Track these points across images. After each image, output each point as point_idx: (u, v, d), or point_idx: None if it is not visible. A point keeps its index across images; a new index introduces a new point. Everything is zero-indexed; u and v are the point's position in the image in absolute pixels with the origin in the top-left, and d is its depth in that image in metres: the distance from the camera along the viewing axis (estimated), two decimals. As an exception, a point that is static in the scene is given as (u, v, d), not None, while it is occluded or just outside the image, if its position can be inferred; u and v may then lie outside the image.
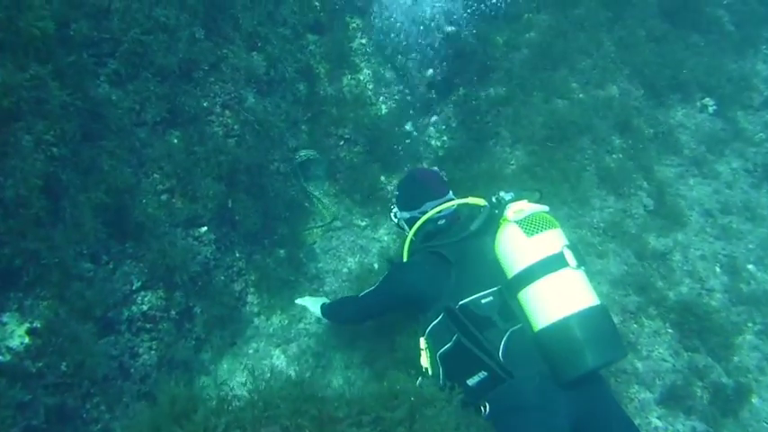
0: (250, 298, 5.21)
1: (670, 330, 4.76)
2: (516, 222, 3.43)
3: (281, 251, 5.43)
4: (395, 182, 5.86)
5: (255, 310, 5.17)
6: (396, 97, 6.11)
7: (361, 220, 5.83)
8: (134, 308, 4.15)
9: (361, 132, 5.77)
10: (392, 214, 4.27)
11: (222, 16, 4.77)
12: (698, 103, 6.58)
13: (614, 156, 5.71)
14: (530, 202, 3.57)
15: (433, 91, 6.28)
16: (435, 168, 4.42)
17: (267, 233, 5.35)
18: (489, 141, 5.74)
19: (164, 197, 4.38)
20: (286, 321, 5.14)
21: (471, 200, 3.87)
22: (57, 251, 3.36)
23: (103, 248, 3.93)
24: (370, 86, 6.00)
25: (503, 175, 5.40)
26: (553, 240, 3.38)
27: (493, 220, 3.63)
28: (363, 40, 5.99)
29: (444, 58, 6.11)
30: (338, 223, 5.79)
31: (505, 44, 6.31)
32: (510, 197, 3.61)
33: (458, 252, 3.59)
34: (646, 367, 4.54)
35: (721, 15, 7.21)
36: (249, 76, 4.91)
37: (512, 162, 5.58)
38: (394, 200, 4.29)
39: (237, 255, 5.10)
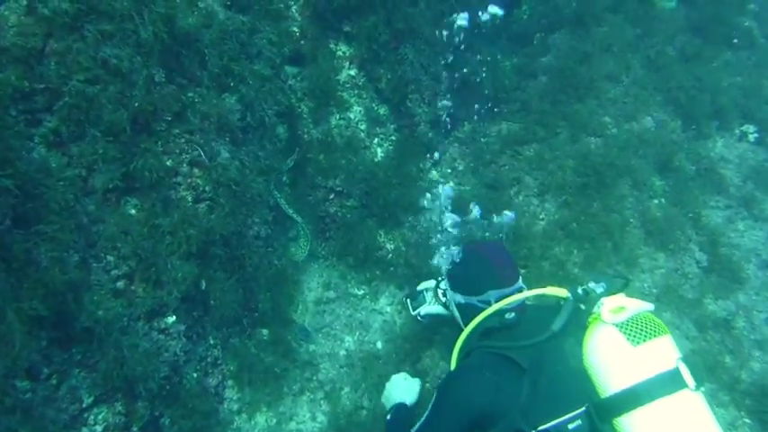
0: (228, 393, 4.64)
1: (747, 420, 4.24)
2: (616, 325, 2.81)
3: (264, 332, 4.86)
4: (398, 241, 5.25)
5: (235, 407, 4.61)
6: (392, 138, 5.50)
7: (358, 289, 5.27)
8: (85, 431, 3.51)
9: (354, 183, 5.15)
10: (439, 291, 3.66)
11: (186, 52, 4.14)
12: (737, 131, 6.12)
13: (656, 201, 5.18)
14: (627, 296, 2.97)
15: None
16: (502, 244, 3.76)
17: (246, 310, 4.73)
18: (509, 190, 5.16)
19: (120, 284, 3.74)
20: (273, 421, 4.61)
21: (551, 290, 3.25)
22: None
23: (43, 359, 3.32)
24: (363, 126, 5.39)
25: (532, 235, 4.82)
26: (665, 351, 2.77)
27: (578, 317, 3.01)
28: (353, 71, 5.38)
29: (448, 89, 5.54)
30: (331, 293, 5.18)
31: (517, 70, 5.75)
32: (602, 289, 3.00)
33: (533, 357, 2.97)
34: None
35: (751, 27, 6.77)
36: (221, 125, 4.27)
37: (541, 216, 5.01)
38: (445, 276, 3.66)
39: (212, 341, 4.51)
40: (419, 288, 4.19)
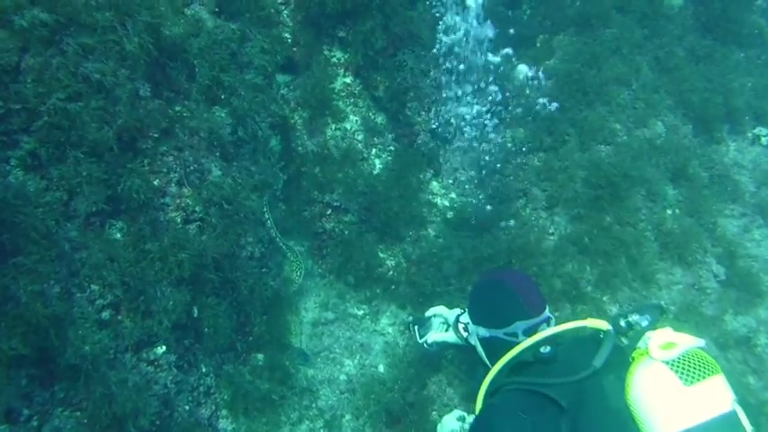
0: (223, 423, 4.44)
1: (777, 446, 4.08)
2: (666, 363, 2.62)
3: (260, 356, 4.68)
4: (399, 257, 5.10)
5: (230, 439, 4.36)
6: (390, 148, 5.35)
7: (358, 309, 5.13)
8: (69, 475, 3.33)
9: (352, 197, 4.98)
10: (459, 325, 3.48)
11: (173, 64, 3.97)
12: (749, 134, 5.97)
13: (670, 212, 5.03)
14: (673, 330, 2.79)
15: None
16: (524, 273, 3.58)
17: (240, 334, 4.56)
18: (516, 202, 5.00)
19: (106, 314, 3.56)
20: (272, 454, 4.35)
21: (590, 322, 3.05)
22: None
23: (23, 399, 3.15)
24: (360, 137, 5.23)
25: (542, 251, 4.66)
26: (720, 392, 2.58)
27: (620, 351, 2.83)
28: (348, 79, 5.22)
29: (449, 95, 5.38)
30: (329, 314, 5.01)
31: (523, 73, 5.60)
32: (647, 322, 2.81)
33: (572, 396, 2.78)
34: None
35: (763, 25, 6.63)
36: (212, 140, 4.10)
37: (551, 231, 4.86)
38: (466, 309, 3.49)
39: (204, 369, 4.33)
40: (427, 314, 4.02)
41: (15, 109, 3.16)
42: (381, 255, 5.17)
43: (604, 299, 4.54)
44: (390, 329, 5.00)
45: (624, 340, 2.81)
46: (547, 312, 3.22)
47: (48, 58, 3.25)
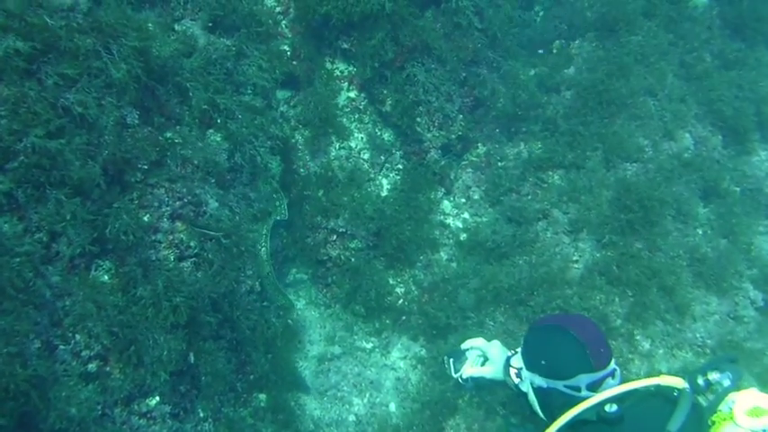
0: (222, 474, 4.19)
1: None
2: None
3: (261, 397, 4.45)
4: (409, 284, 4.89)
5: (230, 492, 4.18)
6: (399, 166, 5.13)
7: (366, 341, 4.94)
8: None
9: (359, 223, 4.77)
10: (511, 370, 3.22)
11: (163, 87, 3.75)
12: (781, 143, 5.77)
13: (701, 232, 4.82)
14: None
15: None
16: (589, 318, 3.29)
17: (241, 373, 4.34)
18: (535, 225, 4.78)
19: (92, 367, 3.34)
20: None
21: (665, 380, 2.82)
22: None
23: None
24: (366, 156, 5.01)
25: (567, 281, 4.44)
26: None
27: (697, 413, 2.60)
28: (352, 93, 5.00)
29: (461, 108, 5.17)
30: (336, 349, 4.80)
31: (537, 83, 5.37)
32: (729, 381, 2.59)
33: None
34: None
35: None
36: (207, 168, 3.88)
37: (576, 258, 4.63)
38: (518, 351, 3.23)
39: (201, 414, 4.09)
40: (463, 346, 3.76)
41: (-13, 148, 2.94)
42: (390, 281, 4.95)
43: (636, 334, 4.32)
44: (402, 364, 4.83)
45: (702, 400, 2.59)
46: (613, 364, 2.97)
47: (22, 89, 3.02)
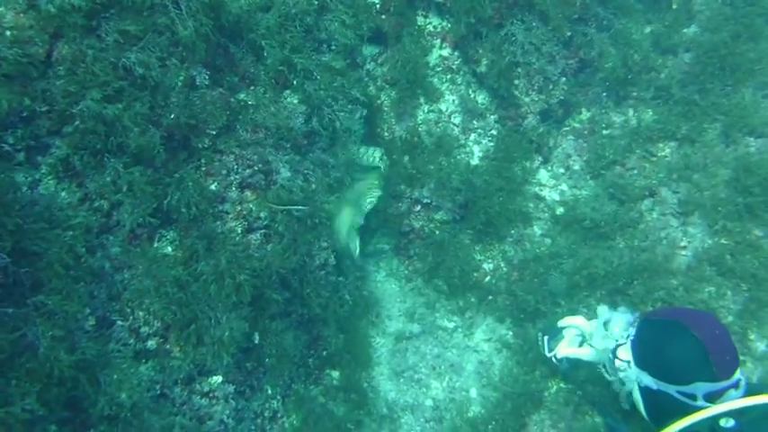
0: (290, 455, 4.11)
1: None
2: None
3: (334, 374, 4.29)
4: (499, 259, 4.62)
5: (300, 474, 4.11)
6: (492, 132, 4.81)
7: (449, 320, 4.72)
8: None
9: (446, 194, 4.51)
10: (617, 360, 2.94)
11: (237, 45, 3.53)
12: None
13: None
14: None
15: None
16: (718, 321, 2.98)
17: (312, 347, 4.20)
18: (640, 203, 4.41)
19: (152, 344, 3.20)
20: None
21: None
22: None
23: None
24: (457, 120, 4.71)
25: (672, 270, 4.09)
26: None
27: None
28: (445, 51, 4.68)
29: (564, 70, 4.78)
30: (416, 327, 4.59)
31: (652, 43, 4.91)
32: None
33: None
34: None
35: None
36: (281, 133, 3.66)
37: (684, 245, 4.26)
38: (630, 344, 2.94)
39: (270, 391, 3.98)
40: (560, 323, 3.48)
41: (42, 111, 2.79)
42: (478, 257, 4.69)
43: (750, 334, 3.96)
44: (486, 346, 4.61)
45: None
46: (738, 374, 2.66)
47: (79, 46, 2.84)
